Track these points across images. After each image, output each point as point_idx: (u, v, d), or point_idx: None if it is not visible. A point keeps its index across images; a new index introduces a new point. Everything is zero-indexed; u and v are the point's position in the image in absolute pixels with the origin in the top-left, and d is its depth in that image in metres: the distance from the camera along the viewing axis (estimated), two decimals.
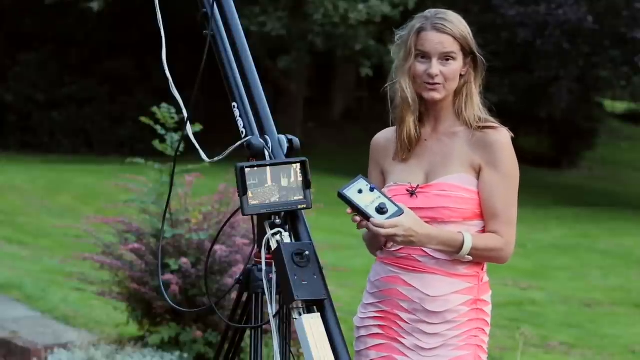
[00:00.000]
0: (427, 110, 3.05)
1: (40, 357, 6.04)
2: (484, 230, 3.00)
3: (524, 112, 18.99)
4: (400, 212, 2.84)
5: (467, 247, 2.91)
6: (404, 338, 3.00)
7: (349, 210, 2.88)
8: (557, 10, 17.95)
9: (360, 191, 2.86)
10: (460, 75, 3.01)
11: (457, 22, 2.98)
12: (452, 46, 2.96)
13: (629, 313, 9.17)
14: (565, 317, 8.73)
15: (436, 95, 2.99)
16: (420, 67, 2.98)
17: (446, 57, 2.96)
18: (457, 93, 3.02)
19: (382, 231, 2.83)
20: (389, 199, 2.86)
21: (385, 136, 3.15)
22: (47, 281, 8.00)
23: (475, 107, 3.01)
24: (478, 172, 2.98)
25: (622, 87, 21.44)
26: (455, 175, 2.97)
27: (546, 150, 21.60)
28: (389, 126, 3.17)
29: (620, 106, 30.08)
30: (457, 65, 2.98)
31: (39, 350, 6.07)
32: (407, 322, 2.99)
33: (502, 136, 2.98)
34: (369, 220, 2.83)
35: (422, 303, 2.97)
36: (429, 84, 2.98)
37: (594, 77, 19.68)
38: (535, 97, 19.18)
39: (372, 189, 2.85)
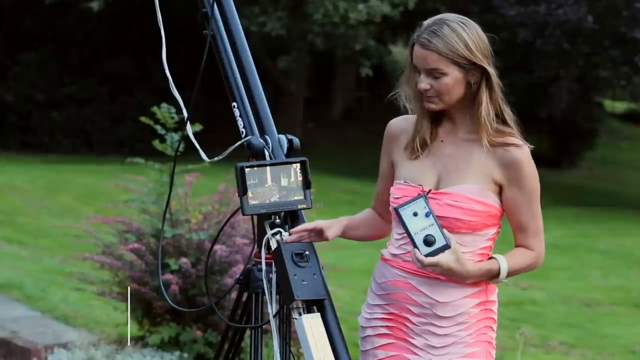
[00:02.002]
0: (444, 111, 3.00)
1: (40, 357, 6.03)
2: (493, 239, 2.99)
3: (524, 112, 18.83)
4: (445, 248, 2.81)
5: (503, 275, 2.93)
6: (413, 338, 2.98)
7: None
8: (557, 10, 17.95)
9: (415, 214, 2.82)
10: (470, 83, 2.93)
11: (447, 35, 2.88)
12: (437, 62, 2.88)
13: (629, 313, 9.17)
14: (565, 317, 8.73)
15: (432, 107, 2.94)
16: (417, 79, 2.95)
17: (434, 73, 2.90)
18: (473, 100, 2.95)
19: (420, 265, 2.83)
20: (440, 228, 2.82)
21: (399, 125, 3.09)
22: (47, 281, 8.00)
23: (484, 116, 2.92)
24: (498, 187, 2.94)
25: (622, 87, 21.44)
26: (469, 185, 2.92)
27: (546, 150, 21.59)
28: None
29: (620, 106, 30.07)
30: (449, 79, 2.89)
31: (39, 350, 6.07)
32: (417, 325, 2.97)
33: (524, 154, 2.93)
34: (414, 246, 2.82)
35: (432, 308, 2.95)
36: (425, 95, 2.94)
37: (594, 77, 19.68)
38: (535, 97, 19.17)
39: (427, 215, 2.82)
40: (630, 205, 18.54)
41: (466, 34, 2.90)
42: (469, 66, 2.90)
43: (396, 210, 2.83)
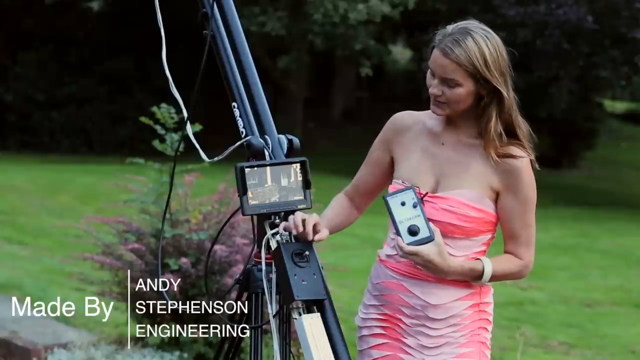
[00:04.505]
0: (448, 115, 2.97)
1: (40, 357, 6.03)
2: (488, 243, 2.99)
3: (523, 112, 18.92)
4: (429, 239, 2.80)
5: (486, 277, 2.91)
6: (406, 338, 2.98)
7: None
8: (557, 10, 17.96)
9: (403, 203, 2.82)
10: (482, 96, 2.90)
11: (470, 47, 2.84)
12: (454, 73, 2.85)
13: (629, 313, 9.17)
14: (565, 317, 8.73)
15: (438, 112, 2.94)
16: (429, 81, 2.93)
17: (449, 82, 2.87)
18: (481, 111, 2.92)
19: (401, 253, 2.82)
20: (426, 220, 2.82)
21: (405, 120, 3.07)
22: (47, 281, 8.00)
23: (492, 132, 2.90)
24: (495, 194, 2.93)
25: (622, 87, 21.46)
26: (466, 190, 2.91)
27: (546, 150, 21.61)
28: None
29: (620, 106, 30.10)
30: (462, 90, 2.87)
31: (38, 350, 6.07)
32: (410, 326, 2.98)
33: (523, 163, 2.91)
34: (398, 234, 2.82)
35: (424, 310, 2.95)
36: (435, 100, 2.93)
37: (594, 77, 19.69)
38: (535, 97, 19.17)
39: (414, 205, 2.82)
40: (630, 205, 18.54)
41: (487, 49, 2.86)
42: (483, 81, 2.87)
43: (384, 198, 2.84)
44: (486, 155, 2.92)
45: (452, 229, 2.90)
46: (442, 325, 2.95)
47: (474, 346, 2.98)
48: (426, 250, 2.80)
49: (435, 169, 2.97)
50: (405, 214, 2.82)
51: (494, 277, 2.94)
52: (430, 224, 2.83)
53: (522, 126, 2.97)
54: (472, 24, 2.91)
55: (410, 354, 2.97)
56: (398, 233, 2.81)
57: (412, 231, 2.81)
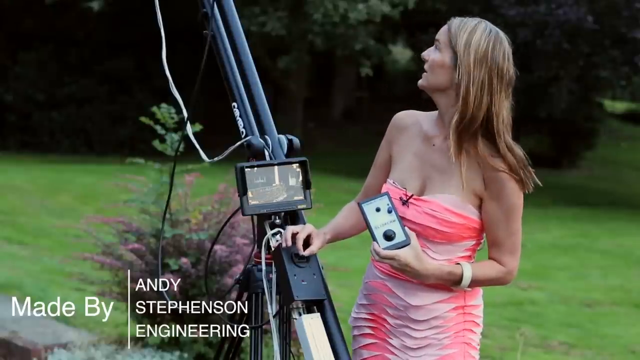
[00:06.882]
0: (439, 113, 2.97)
1: (40, 357, 6.03)
2: (473, 249, 2.96)
3: (524, 112, 18.98)
4: (405, 244, 2.80)
5: (466, 281, 2.88)
6: (391, 339, 2.98)
7: None
8: (557, 10, 17.96)
9: (378, 209, 2.81)
10: (458, 85, 2.85)
11: (466, 26, 2.85)
12: (441, 35, 2.88)
13: (629, 313, 9.17)
14: (565, 317, 8.73)
15: (419, 81, 2.94)
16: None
17: (436, 44, 2.90)
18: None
19: (377, 257, 2.81)
20: (402, 225, 2.81)
21: (405, 120, 3.06)
22: (47, 281, 8.00)
23: (453, 121, 2.84)
24: (478, 200, 2.89)
25: (622, 87, 21.47)
26: (448, 196, 2.88)
27: (546, 150, 21.61)
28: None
29: (620, 106, 30.11)
30: (439, 57, 2.87)
31: (39, 350, 6.07)
32: (394, 326, 2.97)
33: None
34: (374, 239, 2.81)
35: (406, 311, 2.94)
36: (423, 63, 2.95)
37: (594, 77, 19.69)
38: (535, 97, 19.18)
39: (389, 211, 2.81)
40: (630, 205, 18.55)
41: (478, 38, 2.85)
42: (457, 62, 2.84)
43: (359, 204, 2.83)
44: (473, 160, 2.88)
45: (432, 232, 2.89)
46: (425, 327, 2.93)
47: (457, 347, 2.95)
48: (403, 253, 2.79)
49: (423, 172, 2.95)
50: (380, 219, 2.81)
51: (475, 282, 2.90)
52: (406, 228, 2.82)
53: (518, 153, 2.88)
54: (489, 22, 2.91)
55: (395, 354, 2.97)
56: (374, 238, 2.80)
57: (388, 236, 2.80)
